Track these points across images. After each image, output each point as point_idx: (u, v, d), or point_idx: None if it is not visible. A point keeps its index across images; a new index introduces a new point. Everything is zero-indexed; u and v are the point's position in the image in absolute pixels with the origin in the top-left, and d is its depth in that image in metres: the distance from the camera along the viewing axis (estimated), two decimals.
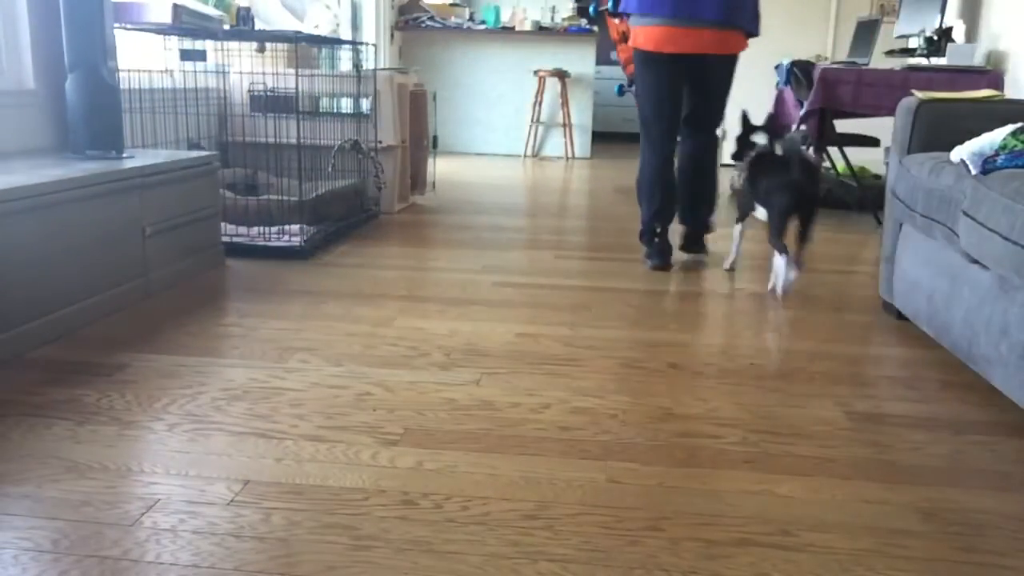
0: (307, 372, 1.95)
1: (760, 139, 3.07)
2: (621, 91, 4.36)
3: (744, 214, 3.11)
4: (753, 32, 3.18)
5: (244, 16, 3.57)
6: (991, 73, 4.05)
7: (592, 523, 1.32)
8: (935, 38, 4.39)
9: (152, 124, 3.31)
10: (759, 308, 2.65)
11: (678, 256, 3.26)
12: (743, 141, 3.11)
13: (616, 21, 3.49)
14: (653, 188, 3.13)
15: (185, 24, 3.04)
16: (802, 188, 2.72)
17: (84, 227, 2.21)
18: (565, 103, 7.38)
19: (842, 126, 4.56)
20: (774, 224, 2.79)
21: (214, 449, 1.54)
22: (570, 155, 7.58)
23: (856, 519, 1.36)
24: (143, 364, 1.97)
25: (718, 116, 3.30)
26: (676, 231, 3.29)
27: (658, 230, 3.13)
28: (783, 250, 2.74)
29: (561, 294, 2.74)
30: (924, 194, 2.20)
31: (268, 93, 3.95)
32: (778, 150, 2.96)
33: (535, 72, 7.29)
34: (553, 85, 7.48)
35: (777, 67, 4.87)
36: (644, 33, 3.04)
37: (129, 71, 3.15)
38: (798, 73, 4.40)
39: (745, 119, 3.17)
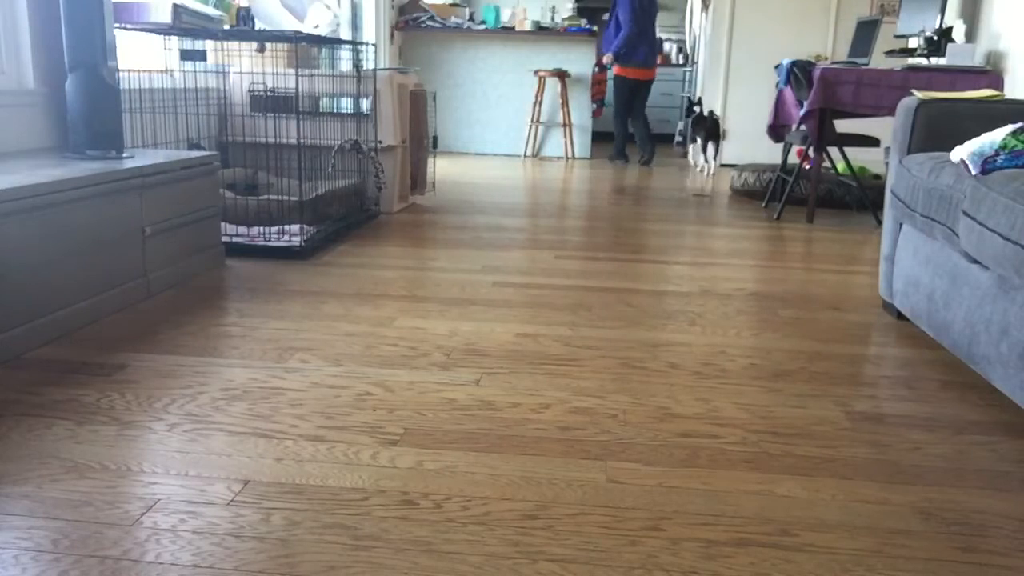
0: (307, 372, 1.95)
1: (697, 108, 6.69)
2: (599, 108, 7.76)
3: (694, 139, 6.91)
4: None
5: (244, 16, 3.57)
6: (991, 73, 4.05)
7: (592, 523, 1.32)
8: (935, 38, 4.39)
9: (152, 124, 3.31)
10: (759, 308, 2.65)
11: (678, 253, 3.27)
12: (690, 108, 6.83)
13: (596, 72, 7.47)
14: (621, 135, 7.30)
15: (185, 24, 3.04)
16: (711, 129, 6.42)
17: (84, 227, 2.21)
18: (565, 103, 7.38)
19: (842, 126, 4.56)
20: (700, 142, 6.64)
21: (214, 449, 1.54)
22: (570, 155, 7.58)
23: (856, 519, 1.36)
24: (143, 364, 1.97)
25: (644, 107, 7.32)
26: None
27: (623, 148, 7.34)
28: (703, 154, 6.60)
29: (561, 294, 2.74)
30: (924, 194, 2.20)
31: (268, 93, 3.96)
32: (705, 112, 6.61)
33: (535, 72, 7.29)
34: (553, 85, 7.48)
35: (777, 67, 4.87)
36: (625, 71, 7.09)
37: (129, 71, 3.15)
38: (798, 73, 4.40)
39: (690, 102, 6.97)
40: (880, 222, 4.35)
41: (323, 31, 4.51)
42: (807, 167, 4.74)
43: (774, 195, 5.00)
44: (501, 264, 3.15)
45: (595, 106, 7.48)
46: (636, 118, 7.22)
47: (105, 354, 2.03)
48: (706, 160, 6.56)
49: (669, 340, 2.29)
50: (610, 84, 7.36)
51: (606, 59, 7.09)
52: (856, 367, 2.12)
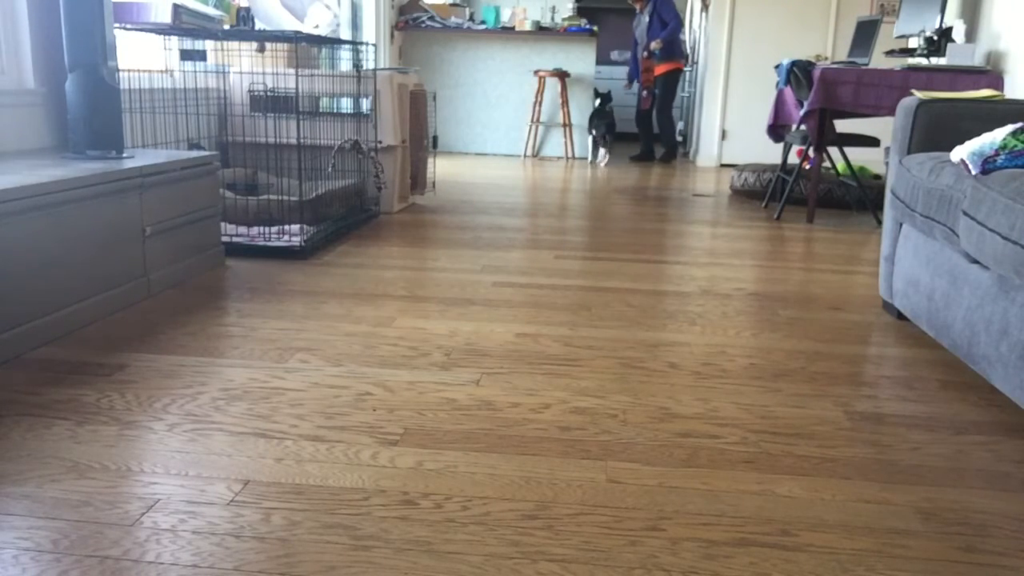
0: (307, 372, 1.95)
1: (598, 103, 7.15)
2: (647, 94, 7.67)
3: (590, 132, 7.32)
4: None
5: (244, 16, 3.57)
6: (991, 73, 4.05)
7: (592, 523, 1.32)
8: (935, 38, 4.39)
9: (152, 124, 3.31)
10: (759, 308, 2.65)
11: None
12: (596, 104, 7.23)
13: (644, 57, 7.39)
14: (672, 133, 7.68)
15: (185, 24, 3.04)
16: (603, 120, 7.13)
17: (84, 227, 2.21)
18: (565, 103, 7.38)
19: (842, 126, 4.56)
20: (591, 129, 7.26)
21: (214, 449, 1.54)
22: (570, 155, 7.58)
23: (856, 519, 1.36)
24: (143, 364, 1.97)
25: None
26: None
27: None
28: (596, 142, 7.25)
29: (561, 294, 2.74)
30: (924, 194, 2.20)
31: (268, 93, 3.96)
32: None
33: (535, 72, 7.29)
34: (553, 85, 7.48)
35: (777, 67, 4.87)
36: (677, 64, 7.29)
37: (129, 71, 3.15)
38: (798, 73, 4.40)
39: (602, 96, 7.22)
40: (880, 222, 4.35)
41: (323, 31, 4.51)
42: (807, 167, 4.74)
43: (774, 195, 5.00)
44: (501, 264, 3.15)
45: (645, 94, 7.45)
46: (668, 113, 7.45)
47: (105, 354, 2.03)
48: (605, 152, 7.29)
49: (669, 340, 2.29)
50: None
51: (655, 45, 7.18)
52: (856, 367, 2.12)
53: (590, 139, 7.35)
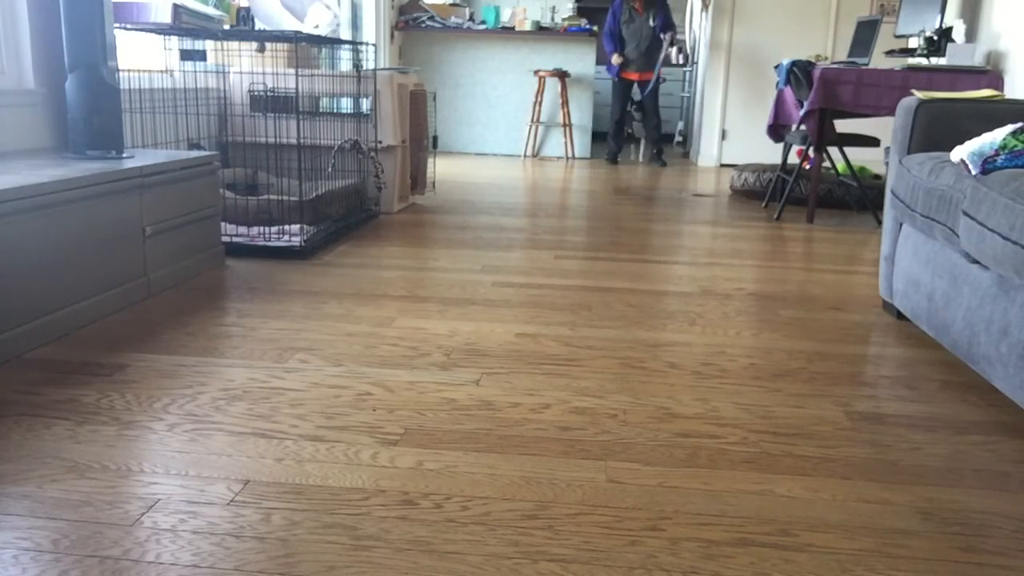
0: (307, 372, 1.95)
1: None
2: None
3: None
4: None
5: (244, 16, 3.57)
6: (991, 73, 4.05)
7: (592, 523, 1.32)
8: (935, 38, 4.39)
9: (152, 124, 3.31)
10: (759, 308, 2.65)
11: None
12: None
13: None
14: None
15: (185, 24, 3.04)
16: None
17: (84, 227, 2.21)
18: (565, 103, 7.38)
19: (842, 126, 4.55)
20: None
21: (214, 449, 1.54)
22: (570, 155, 7.58)
23: (856, 519, 1.36)
24: (143, 364, 1.97)
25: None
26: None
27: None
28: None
29: (561, 294, 2.74)
30: (924, 194, 2.20)
31: (268, 93, 3.96)
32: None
33: (535, 72, 7.29)
34: (553, 85, 7.48)
35: (777, 67, 4.87)
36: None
37: (129, 71, 3.15)
38: (798, 73, 4.40)
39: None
40: (880, 222, 4.35)
41: (323, 31, 4.51)
42: (807, 167, 4.74)
43: (774, 195, 5.00)
44: (501, 264, 3.15)
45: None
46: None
47: (105, 354, 2.03)
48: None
49: (669, 340, 2.29)
50: (612, 84, 7.44)
51: (672, 40, 7.21)
52: (856, 367, 2.11)
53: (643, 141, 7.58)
